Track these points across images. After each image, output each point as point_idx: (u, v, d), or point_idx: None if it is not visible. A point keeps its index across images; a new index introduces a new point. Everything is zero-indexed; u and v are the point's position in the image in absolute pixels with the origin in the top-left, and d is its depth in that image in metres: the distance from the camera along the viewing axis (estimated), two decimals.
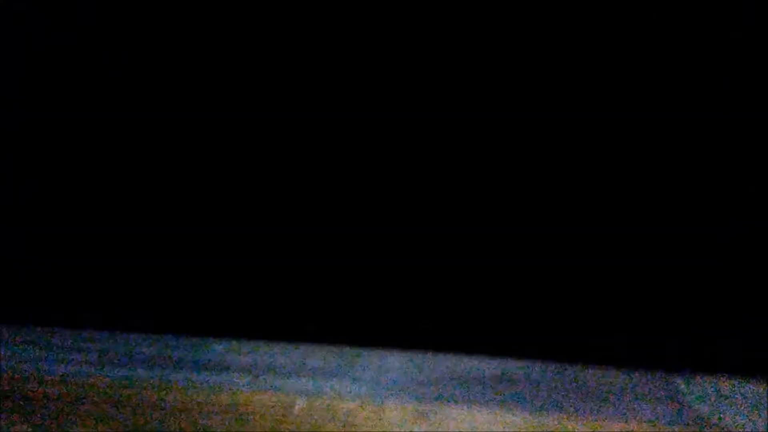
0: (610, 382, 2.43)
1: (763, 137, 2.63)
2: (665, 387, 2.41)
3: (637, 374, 2.45)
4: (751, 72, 2.63)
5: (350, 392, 2.30)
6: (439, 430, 2.18)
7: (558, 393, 2.38)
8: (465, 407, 2.26)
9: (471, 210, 2.69)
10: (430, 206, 2.70)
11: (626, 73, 2.66)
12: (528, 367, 2.50)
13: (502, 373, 2.48)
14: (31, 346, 2.50)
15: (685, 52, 2.64)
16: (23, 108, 2.80)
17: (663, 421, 2.23)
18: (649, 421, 2.23)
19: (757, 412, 2.28)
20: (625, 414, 2.27)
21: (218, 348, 2.55)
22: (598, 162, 2.67)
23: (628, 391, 2.39)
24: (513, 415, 2.24)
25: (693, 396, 2.36)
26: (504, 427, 2.19)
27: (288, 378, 2.40)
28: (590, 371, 2.47)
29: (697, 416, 2.27)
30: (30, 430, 2.10)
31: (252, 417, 2.18)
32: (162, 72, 2.76)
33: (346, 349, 2.55)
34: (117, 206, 2.76)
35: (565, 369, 2.49)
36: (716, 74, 2.64)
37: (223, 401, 2.24)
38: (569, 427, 2.21)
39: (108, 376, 2.33)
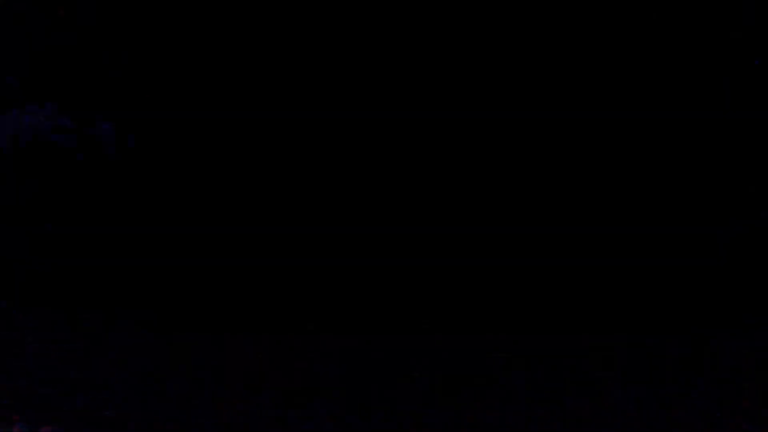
0: None
1: (763, 137, 2.63)
2: None
3: None
4: (751, 72, 2.62)
5: None
6: None
7: None
8: None
9: (471, 210, 2.69)
10: (430, 206, 2.70)
11: (626, 74, 2.66)
12: None
13: None
14: None
15: (685, 53, 2.64)
16: (22, 108, 2.80)
17: None
18: None
19: None
20: None
21: None
22: (598, 162, 2.67)
23: None
24: None
25: None
26: None
27: None
28: None
29: None
30: None
31: None
32: (162, 72, 2.76)
33: None
34: (117, 206, 2.76)
35: None
36: (716, 74, 2.64)
37: None
38: None
39: None
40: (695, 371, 2.52)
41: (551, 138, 2.67)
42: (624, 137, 2.65)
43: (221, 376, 2.55)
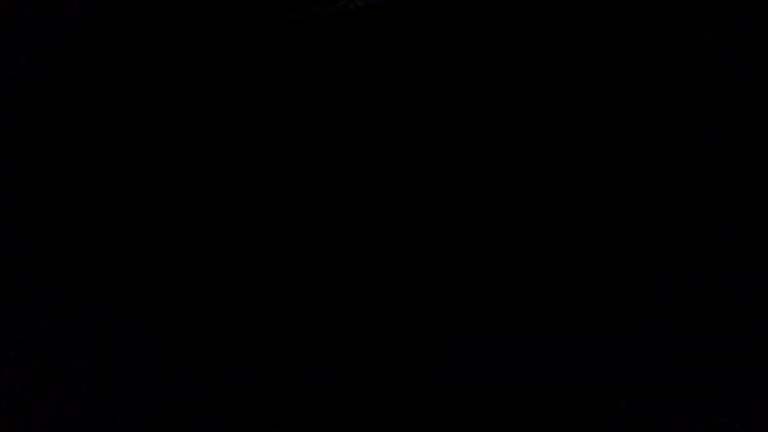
0: None
1: (763, 137, 2.63)
2: None
3: None
4: (751, 72, 2.63)
5: None
6: None
7: None
8: None
9: (470, 210, 2.70)
10: (430, 206, 2.70)
11: (625, 73, 2.67)
12: None
13: None
14: None
15: (685, 52, 2.65)
16: (23, 108, 2.80)
17: None
18: None
19: None
20: None
21: None
22: (598, 162, 2.68)
23: None
24: None
25: None
26: None
27: None
28: None
29: None
30: None
31: None
32: (162, 72, 2.77)
33: None
34: (117, 206, 2.76)
35: None
36: (716, 74, 2.64)
37: None
38: None
39: None
40: (695, 371, 2.53)
41: (550, 138, 2.68)
42: (624, 137, 2.66)
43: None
